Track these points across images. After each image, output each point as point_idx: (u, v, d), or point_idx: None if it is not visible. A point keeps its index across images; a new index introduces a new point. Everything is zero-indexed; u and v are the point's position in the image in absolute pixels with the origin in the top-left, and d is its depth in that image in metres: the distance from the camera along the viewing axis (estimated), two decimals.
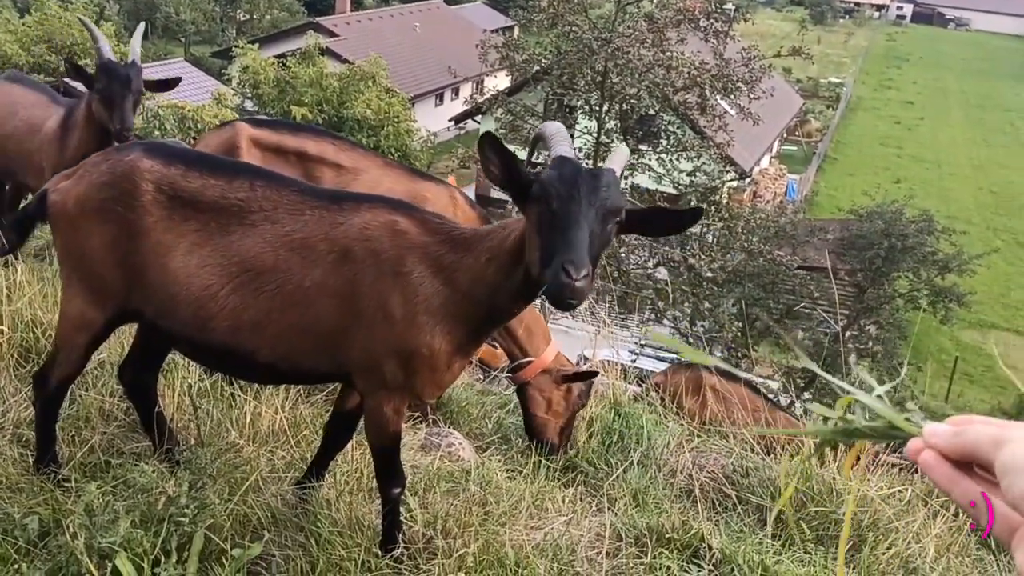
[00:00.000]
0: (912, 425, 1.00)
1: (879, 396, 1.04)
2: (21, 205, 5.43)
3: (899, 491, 4.05)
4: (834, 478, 3.94)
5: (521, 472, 3.82)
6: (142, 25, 4.85)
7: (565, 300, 2.36)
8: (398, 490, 3.07)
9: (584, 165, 2.50)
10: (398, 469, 3.07)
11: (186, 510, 2.79)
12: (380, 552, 3.01)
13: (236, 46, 28.08)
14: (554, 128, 2.67)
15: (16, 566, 2.68)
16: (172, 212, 2.89)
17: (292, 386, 4.02)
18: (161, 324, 3.00)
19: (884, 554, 3.59)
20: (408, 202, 3.06)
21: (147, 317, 3.03)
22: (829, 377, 1.15)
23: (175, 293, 2.88)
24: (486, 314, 2.80)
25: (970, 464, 0.94)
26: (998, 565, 4.02)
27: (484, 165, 2.53)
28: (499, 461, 3.91)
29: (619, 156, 2.75)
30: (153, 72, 24.51)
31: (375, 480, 3.16)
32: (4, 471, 3.19)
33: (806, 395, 13.08)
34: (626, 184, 18.43)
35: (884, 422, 1.02)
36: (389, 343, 2.78)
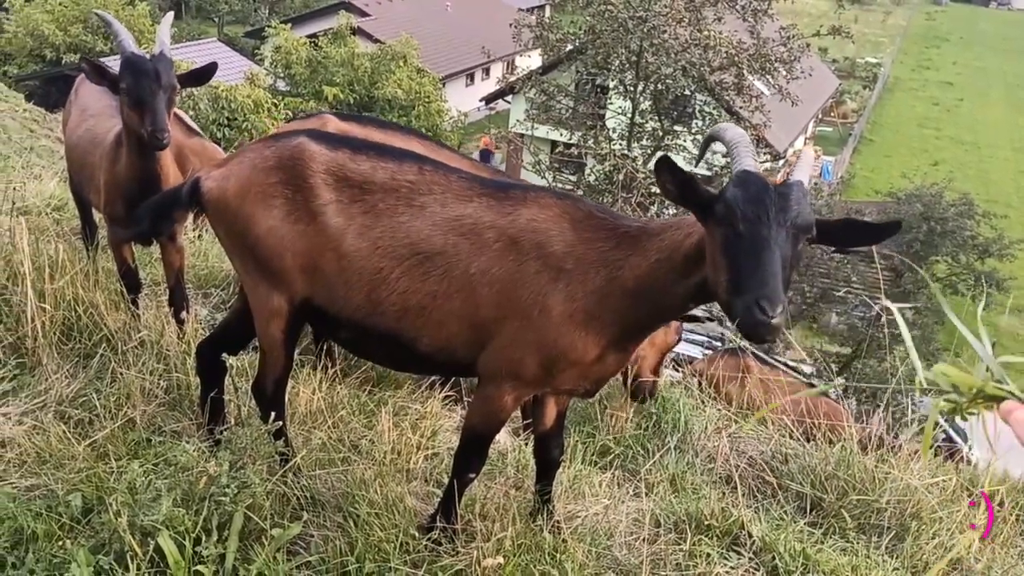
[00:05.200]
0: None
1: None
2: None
3: (943, 480, 3.98)
4: (876, 466, 3.88)
5: None
6: (170, 13, 4.27)
7: (760, 337, 2.25)
8: (473, 476, 3.06)
9: (769, 180, 2.34)
10: (484, 456, 3.07)
11: (227, 490, 2.80)
12: (418, 534, 3.01)
13: (269, 26, 28.25)
14: (736, 134, 2.49)
15: (60, 542, 2.71)
16: (341, 194, 2.88)
17: (330, 367, 4.03)
18: (330, 311, 2.97)
19: (928, 544, 3.53)
20: (575, 195, 3.01)
21: (316, 304, 2.98)
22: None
23: (349, 276, 2.87)
24: (654, 311, 2.71)
25: None
26: None
27: (660, 184, 2.42)
28: None
29: (805, 162, 2.56)
30: (187, 52, 24.68)
31: (453, 459, 3.08)
32: (48, 447, 3.22)
33: (839, 380, 12.92)
34: None
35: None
36: (538, 338, 2.73)
